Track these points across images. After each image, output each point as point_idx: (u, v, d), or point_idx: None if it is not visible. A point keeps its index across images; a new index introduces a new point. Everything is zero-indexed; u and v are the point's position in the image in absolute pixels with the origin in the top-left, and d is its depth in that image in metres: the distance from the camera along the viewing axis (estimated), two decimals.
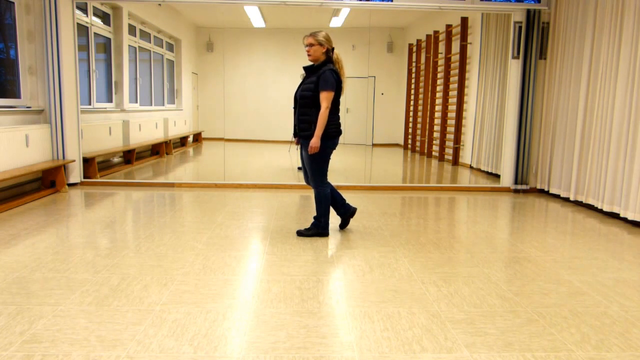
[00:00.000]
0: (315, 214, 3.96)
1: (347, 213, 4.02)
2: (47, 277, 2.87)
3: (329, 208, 3.85)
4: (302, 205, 5.12)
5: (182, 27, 10.69)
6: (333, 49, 3.67)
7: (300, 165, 7.56)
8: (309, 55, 3.64)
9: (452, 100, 9.03)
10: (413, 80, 10.67)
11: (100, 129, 7.05)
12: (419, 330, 2.29)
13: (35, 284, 2.77)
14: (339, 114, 3.77)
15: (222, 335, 2.20)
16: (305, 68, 3.70)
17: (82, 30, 6.85)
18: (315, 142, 3.57)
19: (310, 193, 5.85)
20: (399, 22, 10.46)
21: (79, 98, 5.90)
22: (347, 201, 4.19)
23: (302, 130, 3.66)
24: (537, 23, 5.93)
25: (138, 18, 8.70)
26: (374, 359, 2.04)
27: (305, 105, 3.62)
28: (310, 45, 3.61)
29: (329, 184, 3.85)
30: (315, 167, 3.72)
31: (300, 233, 3.89)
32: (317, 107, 3.57)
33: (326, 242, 3.72)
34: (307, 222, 4.36)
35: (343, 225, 4.11)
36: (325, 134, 3.60)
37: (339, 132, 3.73)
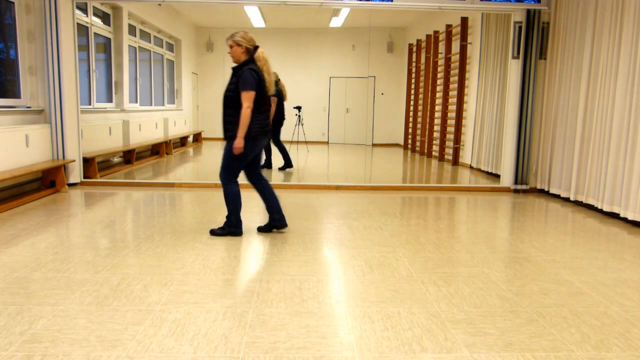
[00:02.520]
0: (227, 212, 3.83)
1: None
2: (47, 277, 2.87)
3: (238, 206, 3.77)
4: (301, 205, 5.12)
5: (182, 27, 10.69)
6: (256, 47, 3.66)
7: (280, 165, 7.59)
8: (231, 57, 3.66)
9: (452, 100, 9.03)
10: (413, 80, 10.67)
11: (100, 129, 7.05)
12: (419, 330, 2.29)
13: (35, 284, 2.77)
14: (267, 113, 3.73)
15: (222, 335, 2.20)
16: (232, 69, 3.69)
17: (82, 30, 6.85)
18: (238, 142, 3.55)
19: (309, 193, 5.85)
20: (399, 22, 10.46)
21: (79, 98, 5.90)
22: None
23: (227, 131, 3.64)
24: (537, 23, 5.93)
25: (138, 18, 8.70)
26: (374, 359, 2.04)
27: (228, 106, 3.62)
28: (230, 47, 3.64)
29: (238, 184, 3.77)
30: (227, 163, 3.68)
31: (213, 232, 3.84)
32: (240, 107, 3.55)
33: (326, 242, 3.73)
34: (307, 221, 4.36)
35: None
36: (247, 133, 3.58)
37: (264, 133, 3.69)
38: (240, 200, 3.79)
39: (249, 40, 3.62)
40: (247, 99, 3.51)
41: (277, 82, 7.45)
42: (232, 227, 3.82)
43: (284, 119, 7.56)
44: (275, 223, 3.93)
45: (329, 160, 8.81)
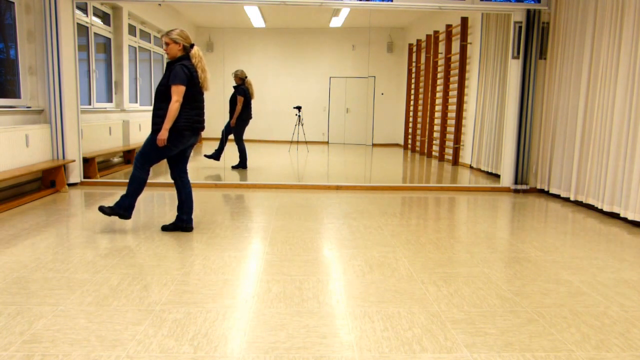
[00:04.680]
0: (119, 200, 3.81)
1: (180, 223, 3.92)
2: (47, 277, 2.87)
3: (138, 193, 3.77)
4: (301, 205, 5.12)
5: (182, 27, 10.68)
6: (192, 45, 3.74)
7: (235, 164, 7.60)
8: (167, 54, 3.71)
9: (452, 100, 9.03)
10: (413, 80, 10.67)
11: (100, 129, 7.05)
12: (419, 330, 2.29)
13: (35, 284, 2.77)
14: (200, 110, 3.78)
15: (222, 335, 2.20)
16: (167, 64, 3.74)
17: (82, 30, 6.85)
18: (162, 134, 3.59)
19: (309, 193, 5.85)
20: (399, 22, 10.46)
21: (79, 98, 5.90)
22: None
23: (155, 124, 3.67)
24: (537, 23, 5.93)
25: (138, 18, 8.70)
26: (374, 359, 2.04)
27: (159, 99, 3.66)
28: (167, 44, 3.68)
29: (149, 173, 3.78)
30: (147, 150, 3.70)
31: (102, 209, 3.78)
32: (170, 101, 3.60)
33: (326, 242, 3.73)
34: (307, 221, 4.36)
35: (167, 227, 3.96)
36: (174, 127, 3.61)
37: (192, 129, 3.72)
38: (142, 189, 3.79)
39: (185, 38, 3.71)
40: (177, 93, 3.56)
41: (244, 80, 7.40)
42: (121, 209, 3.78)
43: (250, 118, 7.55)
44: (182, 224, 3.93)
45: (329, 160, 8.81)
